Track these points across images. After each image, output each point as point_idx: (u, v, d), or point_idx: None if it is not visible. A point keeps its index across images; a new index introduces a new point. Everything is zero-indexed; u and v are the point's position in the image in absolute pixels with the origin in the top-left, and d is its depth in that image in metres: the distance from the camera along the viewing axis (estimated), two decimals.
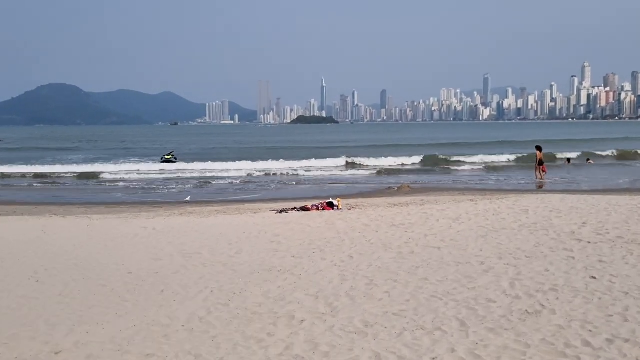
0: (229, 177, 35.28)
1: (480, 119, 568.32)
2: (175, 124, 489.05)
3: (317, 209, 17.95)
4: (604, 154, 48.83)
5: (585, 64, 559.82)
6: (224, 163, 42.60)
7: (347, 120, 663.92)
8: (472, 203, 18.68)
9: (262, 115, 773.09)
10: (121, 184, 33.13)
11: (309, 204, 18.62)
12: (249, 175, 36.64)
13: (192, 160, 46.21)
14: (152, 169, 40.70)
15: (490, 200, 19.18)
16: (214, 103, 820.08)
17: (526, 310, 7.42)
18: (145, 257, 11.24)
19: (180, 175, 37.13)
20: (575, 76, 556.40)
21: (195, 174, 37.48)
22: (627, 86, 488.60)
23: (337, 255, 10.94)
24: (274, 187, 30.19)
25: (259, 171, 38.41)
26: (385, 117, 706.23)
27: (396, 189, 26.94)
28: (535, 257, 10.43)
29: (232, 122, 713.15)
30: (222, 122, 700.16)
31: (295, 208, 18.14)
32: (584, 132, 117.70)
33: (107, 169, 40.37)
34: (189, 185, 31.46)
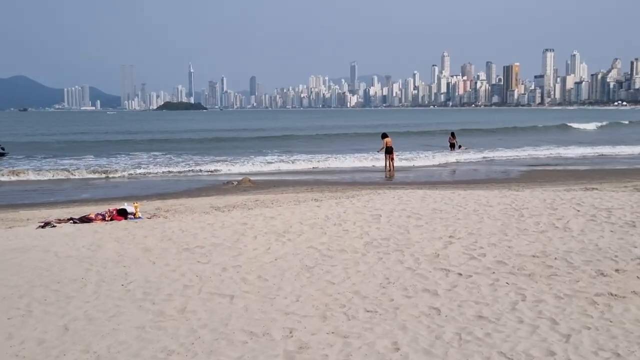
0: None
1: (348, 106, 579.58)
2: (25, 109, 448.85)
3: (103, 219, 13.02)
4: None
5: (444, 53, 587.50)
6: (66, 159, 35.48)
7: (216, 106, 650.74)
8: (314, 204, 14.63)
9: (126, 102, 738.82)
10: None
11: (93, 212, 13.61)
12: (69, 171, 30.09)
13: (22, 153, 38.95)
14: None
15: (338, 200, 15.23)
16: (73, 88, 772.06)
17: None
18: None
19: None
20: (435, 65, 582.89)
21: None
22: (482, 75, 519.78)
23: None
24: (105, 186, 24.57)
25: (91, 167, 31.94)
26: (255, 104, 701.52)
27: (235, 183, 22.48)
28: (380, 314, 6.36)
29: (94, 108, 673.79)
30: (82, 108, 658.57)
31: (71, 219, 13.08)
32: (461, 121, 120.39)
33: None
34: None
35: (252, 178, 24.16)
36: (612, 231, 10.19)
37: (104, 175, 27.07)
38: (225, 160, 32.54)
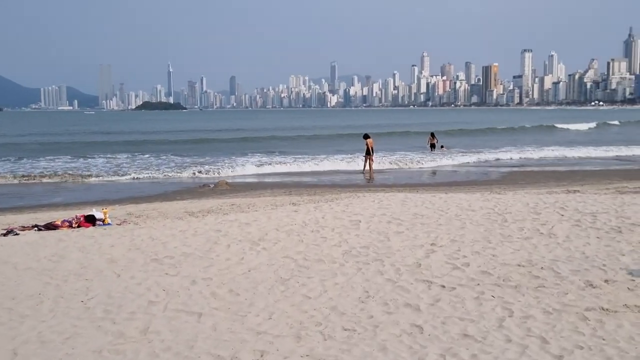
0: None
1: (328, 105, 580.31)
2: (0, 109, 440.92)
3: (70, 225, 12.44)
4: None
5: (424, 53, 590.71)
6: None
7: (196, 106, 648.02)
8: (291, 209, 14.17)
9: (104, 101, 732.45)
10: None
11: (59, 219, 13.01)
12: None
13: None
14: None
15: (316, 205, 14.79)
16: (50, 88, 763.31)
17: None
18: None
19: None
20: (415, 65, 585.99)
21: None
22: (462, 75, 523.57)
23: None
24: (78, 189, 23.85)
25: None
26: (234, 104, 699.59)
27: (211, 186, 21.94)
28: (358, 333, 5.92)
29: (71, 107, 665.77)
30: (60, 108, 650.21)
31: (36, 226, 12.47)
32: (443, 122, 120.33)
33: None
34: None
35: (230, 180, 23.66)
36: (598, 237, 9.87)
37: (78, 178, 26.32)
38: (206, 163, 31.92)
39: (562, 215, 12.05)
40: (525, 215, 12.17)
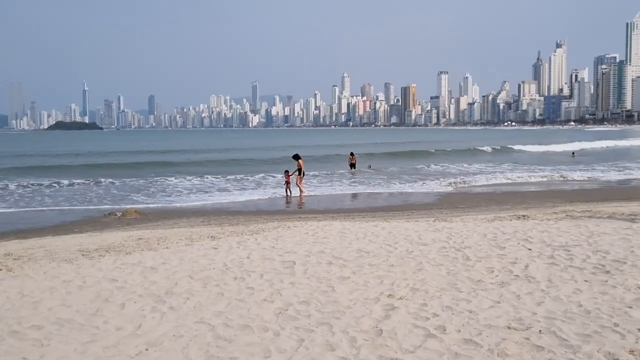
0: None
1: (250, 125, 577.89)
2: None
3: None
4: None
5: (345, 74, 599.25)
6: None
7: (113, 126, 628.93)
8: (210, 245, 11.80)
9: (14, 121, 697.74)
10: None
11: None
12: None
13: None
14: None
15: (240, 238, 12.50)
16: None
17: None
18: None
19: None
20: (336, 86, 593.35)
21: None
22: (381, 96, 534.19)
23: None
24: None
25: None
26: (154, 124, 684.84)
27: (118, 215, 19.13)
28: None
29: None
30: None
31: None
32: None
33: None
34: None
35: (143, 206, 20.91)
36: (586, 281, 8.09)
37: None
38: (118, 187, 28.81)
39: (530, 249, 10.31)
40: (487, 250, 10.35)
